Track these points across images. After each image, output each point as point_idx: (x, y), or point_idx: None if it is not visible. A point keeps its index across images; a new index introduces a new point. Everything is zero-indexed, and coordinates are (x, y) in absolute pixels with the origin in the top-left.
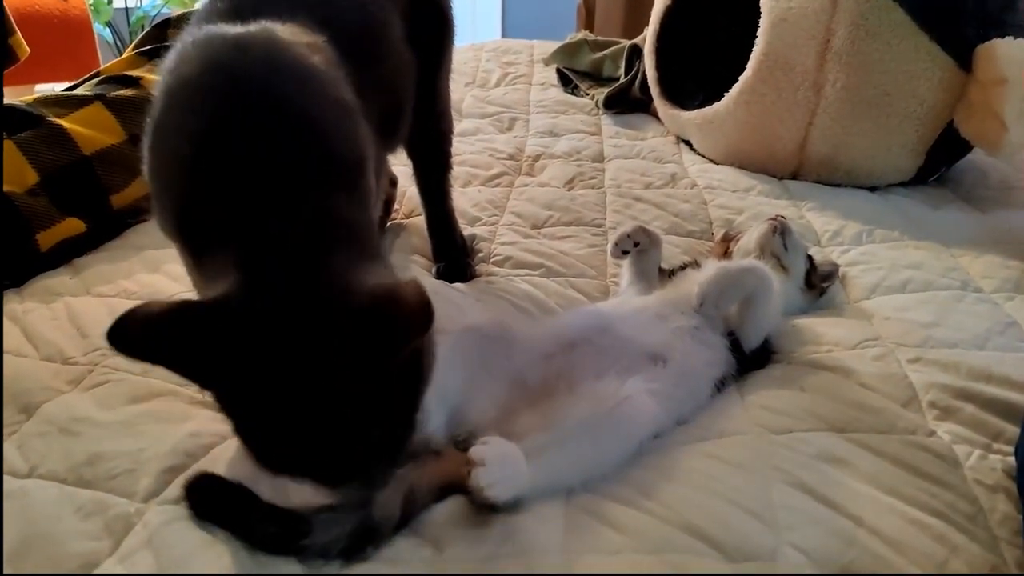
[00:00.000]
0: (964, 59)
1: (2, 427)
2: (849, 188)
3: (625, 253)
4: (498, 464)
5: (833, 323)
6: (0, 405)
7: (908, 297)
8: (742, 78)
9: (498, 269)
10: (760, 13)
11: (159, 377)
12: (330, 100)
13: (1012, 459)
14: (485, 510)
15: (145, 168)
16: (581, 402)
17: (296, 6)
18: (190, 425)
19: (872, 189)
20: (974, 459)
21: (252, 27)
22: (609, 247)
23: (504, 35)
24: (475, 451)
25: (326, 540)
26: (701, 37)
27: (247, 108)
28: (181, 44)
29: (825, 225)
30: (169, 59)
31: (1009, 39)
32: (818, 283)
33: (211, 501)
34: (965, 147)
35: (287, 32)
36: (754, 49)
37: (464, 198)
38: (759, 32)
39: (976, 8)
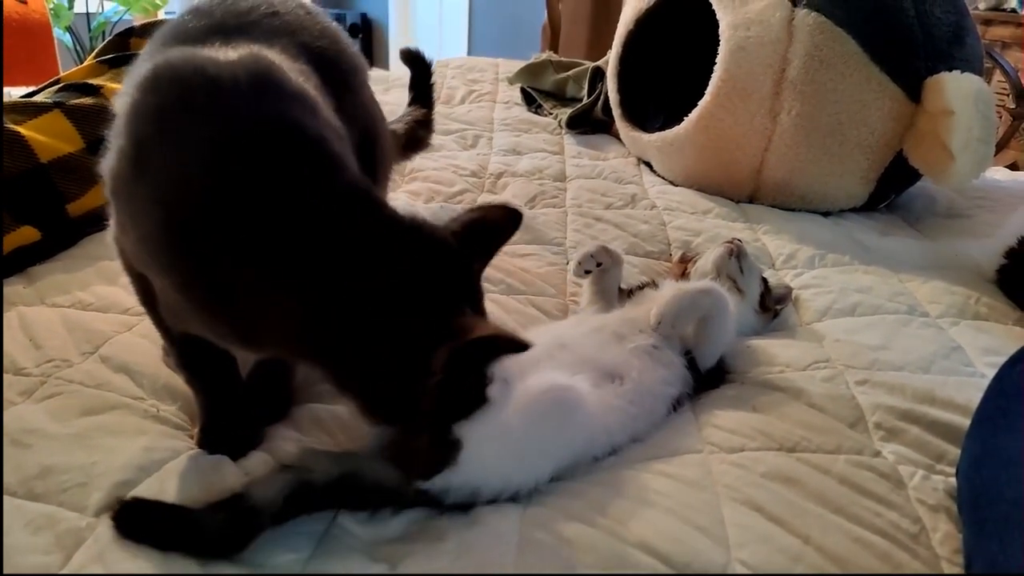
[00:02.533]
0: (913, 90)
1: (2, 426)
2: (803, 213)
3: (587, 272)
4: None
5: (785, 344)
6: (0, 404)
7: (857, 320)
8: (701, 103)
9: None
10: (720, 40)
11: (113, 390)
12: (331, 127)
13: (954, 480)
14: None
15: (120, 191)
16: (525, 387)
17: (276, 30)
18: (143, 439)
19: (825, 214)
20: (917, 479)
21: (244, 51)
22: (572, 266)
23: (470, 52)
24: None
25: (265, 499)
26: (662, 62)
27: (263, 139)
28: (163, 65)
29: (779, 248)
30: (147, 79)
31: (956, 72)
32: (772, 305)
33: (146, 523)
34: (914, 175)
35: (277, 57)
36: (713, 75)
37: (426, 213)
38: (718, 59)
39: (925, 42)
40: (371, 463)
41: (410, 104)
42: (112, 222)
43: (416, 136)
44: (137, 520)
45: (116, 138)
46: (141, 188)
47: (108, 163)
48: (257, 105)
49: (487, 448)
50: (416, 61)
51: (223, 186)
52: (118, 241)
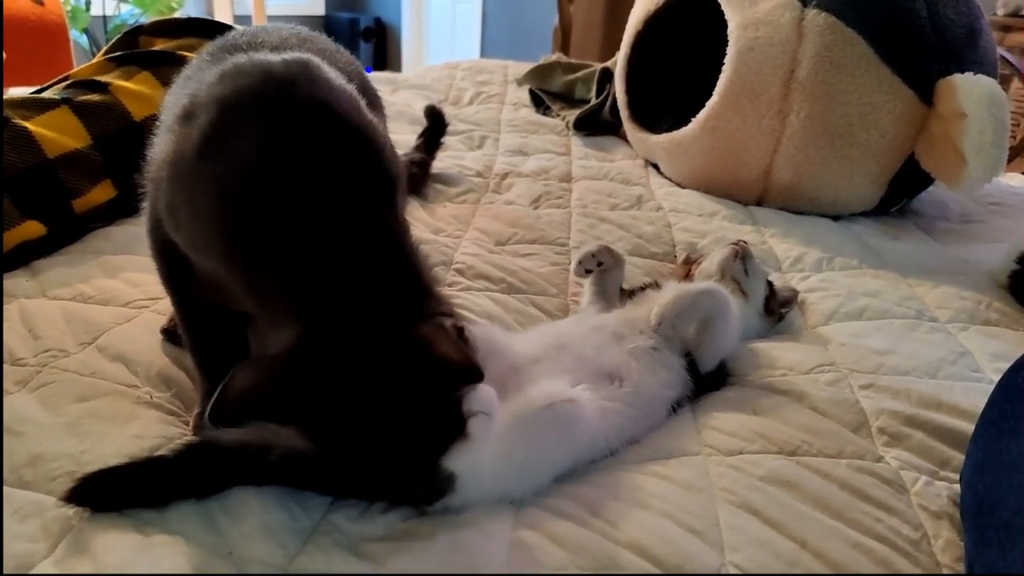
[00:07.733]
0: (925, 92)
1: (2, 424)
2: (812, 216)
3: (588, 272)
4: (490, 398)
5: (789, 347)
6: (0, 400)
7: (864, 324)
8: (709, 104)
9: (459, 279)
10: (728, 41)
11: (107, 378)
12: (371, 118)
13: (958, 486)
14: (432, 509)
15: (180, 173)
16: (526, 398)
17: (311, 53)
18: (135, 426)
19: (835, 218)
20: (920, 485)
21: (292, 54)
22: (572, 265)
23: (483, 55)
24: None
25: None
26: (670, 63)
27: (311, 123)
28: (228, 66)
29: (786, 251)
30: (215, 79)
31: (969, 74)
32: (777, 309)
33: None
34: (926, 179)
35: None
36: (721, 76)
37: (430, 213)
38: (726, 60)
39: (937, 43)
40: None
41: (416, 147)
42: (147, 215)
43: (410, 173)
44: (100, 491)
45: (177, 127)
46: (203, 167)
47: (164, 151)
48: (307, 93)
49: (487, 472)
50: (435, 116)
51: (273, 165)
52: (153, 232)
